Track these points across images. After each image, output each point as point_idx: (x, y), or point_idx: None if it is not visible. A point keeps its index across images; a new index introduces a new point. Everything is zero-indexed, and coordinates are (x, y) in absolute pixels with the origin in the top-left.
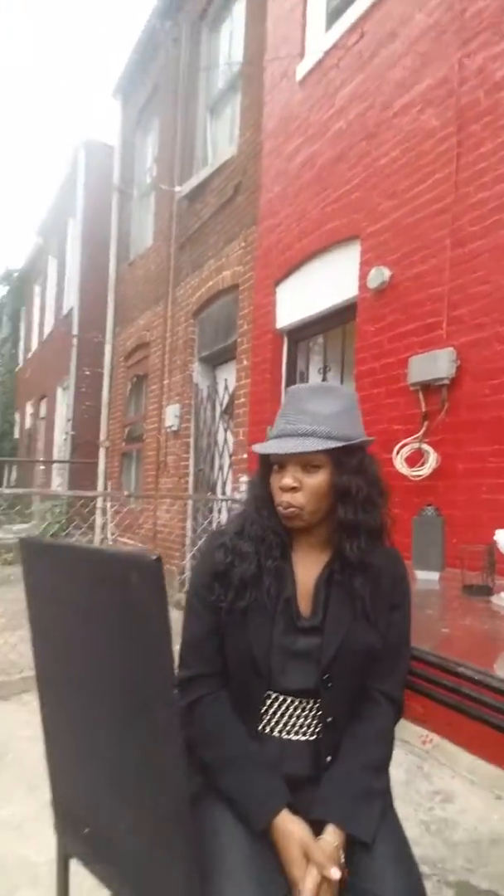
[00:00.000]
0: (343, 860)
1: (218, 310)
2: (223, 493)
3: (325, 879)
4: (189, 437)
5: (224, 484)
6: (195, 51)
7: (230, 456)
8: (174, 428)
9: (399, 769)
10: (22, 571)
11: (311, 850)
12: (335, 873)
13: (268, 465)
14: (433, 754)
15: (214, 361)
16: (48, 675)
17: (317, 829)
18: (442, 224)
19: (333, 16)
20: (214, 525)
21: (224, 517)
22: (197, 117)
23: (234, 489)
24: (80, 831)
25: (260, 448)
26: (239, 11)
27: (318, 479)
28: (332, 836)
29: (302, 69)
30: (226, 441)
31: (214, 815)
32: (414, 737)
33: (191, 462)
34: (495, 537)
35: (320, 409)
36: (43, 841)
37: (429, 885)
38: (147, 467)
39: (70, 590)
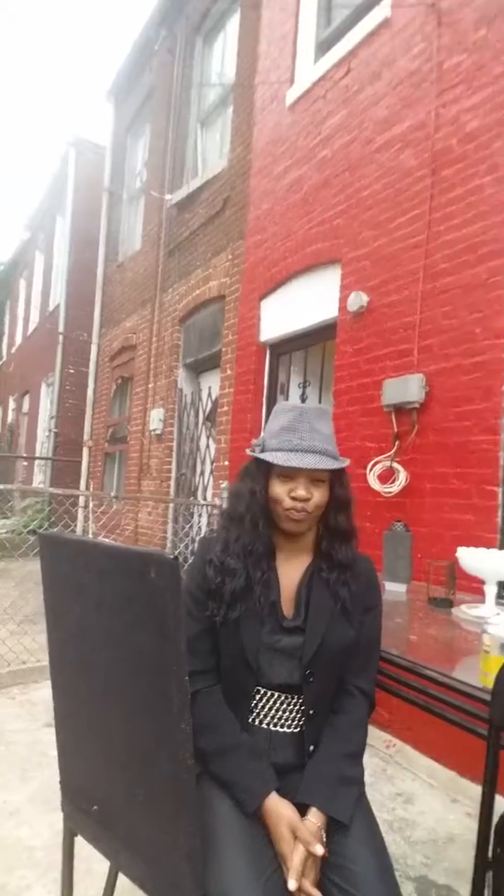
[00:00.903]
0: (325, 839)
1: (204, 318)
2: (204, 498)
3: (310, 855)
4: (172, 442)
5: (206, 489)
6: (189, 62)
7: (212, 462)
8: (158, 432)
9: (365, 771)
10: (40, 564)
11: (298, 828)
12: (319, 850)
13: (267, 475)
14: (396, 758)
15: (199, 368)
16: (62, 661)
17: (300, 812)
18: (416, 258)
19: (322, 48)
20: (195, 529)
21: (204, 522)
22: (189, 127)
23: (215, 494)
24: (88, 809)
25: (283, 460)
26: (233, 28)
27: (322, 491)
28: (315, 817)
29: (291, 95)
30: (208, 447)
31: (210, 797)
32: (379, 741)
33: (173, 466)
34: (457, 554)
35: (326, 431)
36: (37, 826)
37: None
38: (130, 469)
39: (89, 583)
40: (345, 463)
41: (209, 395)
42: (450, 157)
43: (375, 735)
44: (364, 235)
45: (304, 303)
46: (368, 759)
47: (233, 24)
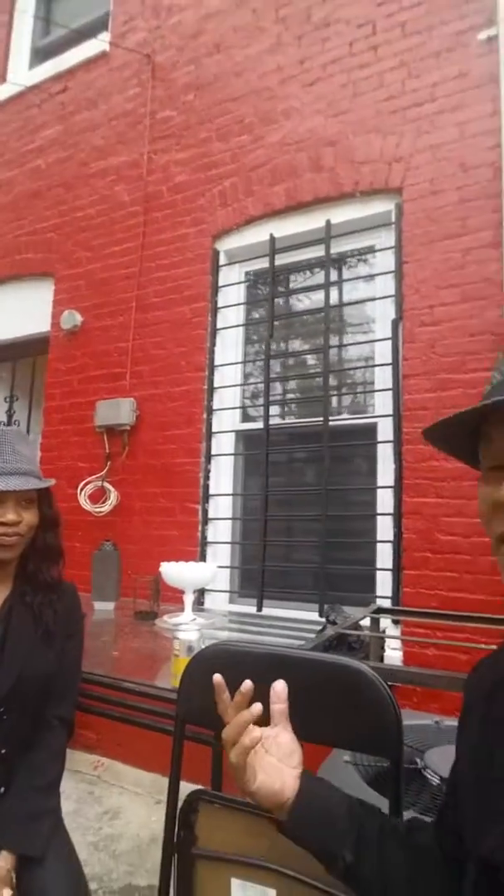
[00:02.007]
0: (14, 880)
1: None
2: None
3: None
4: None
5: None
6: None
7: None
8: None
9: (69, 800)
10: None
11: None
12: (6, 893)
13: None
14: (104, 777)
15: None
16: None
17: None
18: (129, 287)
19: (39, 56)
20: None
21: None
22: None
23: None
24: None
25: None
26: None
27: (32, 513)
28: (3, 860)
29: (1, 93)
30: None
31: None
32: (86, 765)
33: None
34: (160, 569)
35: (28, 453)
36: None
37: None
38: None
39: None
40: (50, 482)
41: None
42: (160, 201)
43: (83, 759)
44: (79, 255)
45: (14, 311)
46: (75, 786)
47: None
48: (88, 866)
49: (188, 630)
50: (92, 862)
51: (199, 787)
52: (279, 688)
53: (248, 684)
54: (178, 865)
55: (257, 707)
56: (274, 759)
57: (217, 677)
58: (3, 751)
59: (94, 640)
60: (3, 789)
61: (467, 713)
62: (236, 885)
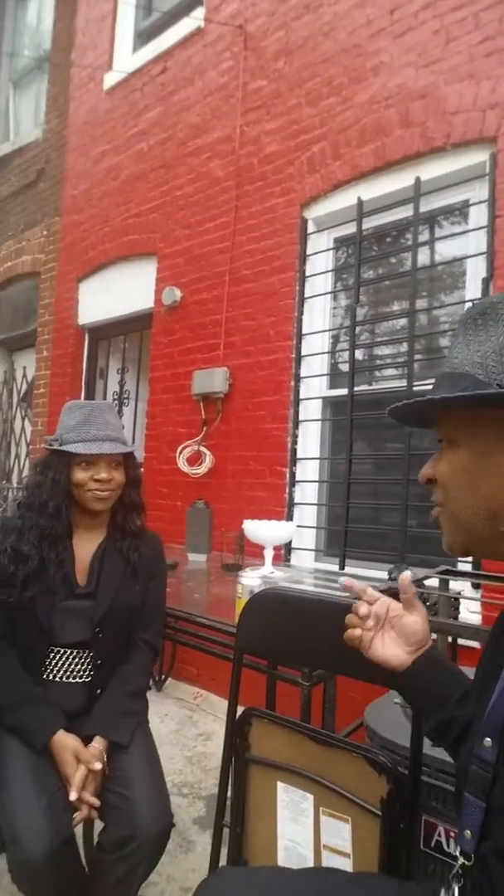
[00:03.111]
0: (105, 759)
1: (17, 294)
2: (20, 481)
3: (90, 772)
4: None
5: (21, 472)
6: (0, 10)
7: (28, 445)
8: None
9: (172, 721)
10: None
11: (80, 752)
12: (97, 765)
13: (68, 464)
14: (202, 706)
15: (12, 346)
16: None
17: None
18: (223, 262)
19: (141, 38)
20: (10, 513)
21: None
22: None
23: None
24: None
25: (85, 449)
26: None
27: (120, 472)
28: (97, 742)
29: (109, 80)
30: (23, 429)
31: (3, 743)
32: (187, 695)
33: None
34: (243, 526)
35: (115, 422)
36: None
37: (185, 801)
38: None
39: None
40: (134, 448)
41: (24, 375)
42: (251, 174)
43: (185, 690)
44: (178, 234)
45: (124, 290)
46: (178, 710)
47: None
48: (182, 775)
49: (251, 576)
50: (186, 772)
51: None
52: (405, 581)
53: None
54: (234, 767)
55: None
56: (394, 634)
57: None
58: (99, 661)
59: (182, 585)
60: (99, 691)
61: (481, 658)
62: (281, 787)
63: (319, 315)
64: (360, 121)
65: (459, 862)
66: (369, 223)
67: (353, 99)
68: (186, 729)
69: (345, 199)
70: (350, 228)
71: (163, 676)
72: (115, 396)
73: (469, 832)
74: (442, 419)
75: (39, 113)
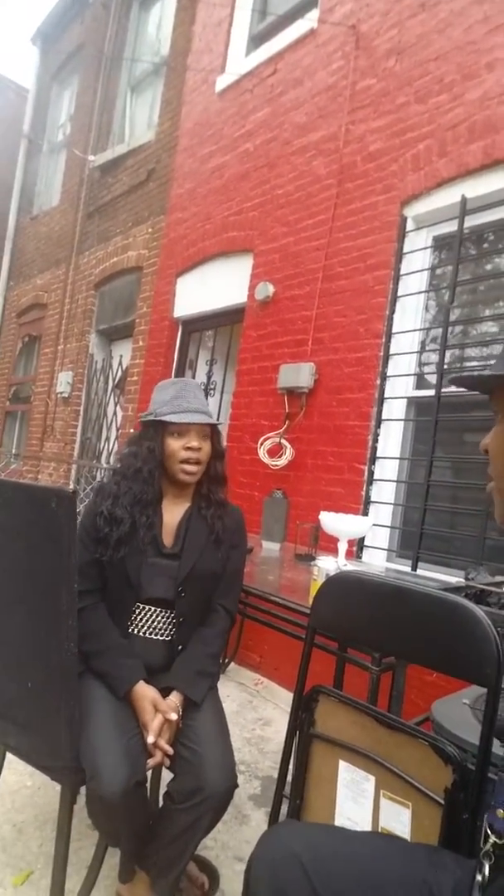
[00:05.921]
0: (181, 713)
1: (120, 287)
2: (108, 462)
3: (166, 721)
4: (79, 406)
5: (110, 454)
6: (124, 22)
7: (118, 429)
8: (65, 394)
9: (233, 703)
10: None
11: (158, 703)
12: (174, 716)
13: (162, 435)
14: (262, 693)
15: (111, 336)
16: None
17: (165, 698)
18: (318, 259)
19: (254, 42)
20: None
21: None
22: (118, 90)
23: (119, 460)
24: None
25: (179, 418)
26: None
27: (208, 444)
28: (174, 696)
29: (221, 83)
30: (115, 414)
31: (90, 687)
32: (249, 681)
33: (79, 430)
34: (319, 517)
35: (203, 398)
36: None
37: (242, 778)
38: (32, 430)
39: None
40: (220, 422)
41: (120, 363)
42: (353, 171)
43: (247, 676)
44: (275, 231)
45: (218, 285)
46: (239, 694)
47: None
48: (241, 754)
49: (325, 560)
50: (244, 752)
51: None
52: None
53: None
54: (298, 742)
55: None
56: None
57: None
58: (180, 620)
59: (257, 568)
60: (180, 648)
61: None
62: (343, 766)
63: (412, 314)
64: (471, 118)
65: (491, 840)
66: (470, 221)
67: (464, 96)
68: (246, 712)
69: (447, 197)
70: (450, 227)
71: (226, 660)
72: (203, 387)
73: (502, 811)
74: (498, 392)
75: (153, 116)
